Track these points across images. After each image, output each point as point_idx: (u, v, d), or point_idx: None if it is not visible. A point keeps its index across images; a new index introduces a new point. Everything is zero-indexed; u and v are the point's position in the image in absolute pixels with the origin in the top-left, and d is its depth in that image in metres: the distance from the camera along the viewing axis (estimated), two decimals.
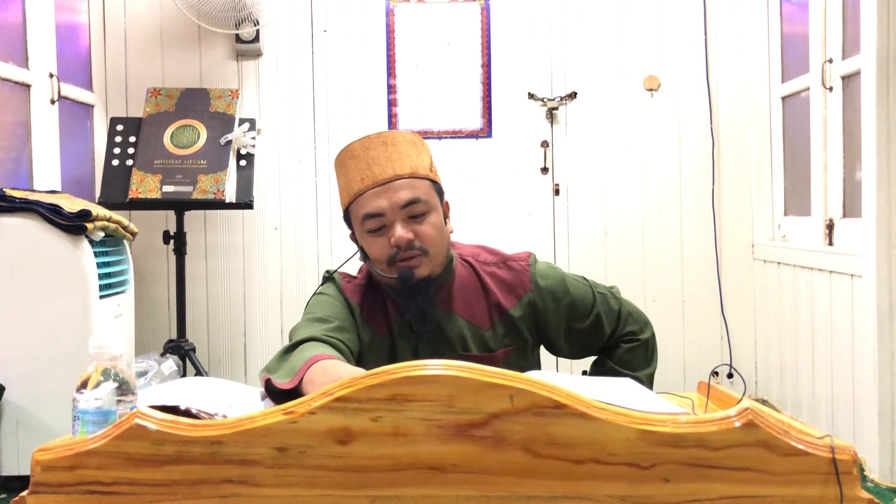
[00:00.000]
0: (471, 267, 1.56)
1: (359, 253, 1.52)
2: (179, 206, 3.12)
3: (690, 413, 1.03)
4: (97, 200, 3.04)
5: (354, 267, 1.61)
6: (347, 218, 1.52)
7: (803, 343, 3.08)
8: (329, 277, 1.57)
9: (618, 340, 1.61)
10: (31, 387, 2.33)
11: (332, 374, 1.16)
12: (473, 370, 0.85)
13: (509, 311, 1.53)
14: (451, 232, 1.54)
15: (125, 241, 2.72)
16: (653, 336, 1.63)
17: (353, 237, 1.53)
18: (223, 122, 3.18)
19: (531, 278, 1.54)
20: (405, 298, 1.48)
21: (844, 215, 2.89)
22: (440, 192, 1.51)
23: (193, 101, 3.25)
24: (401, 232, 1.42)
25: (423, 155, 1.50)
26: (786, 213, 3.42)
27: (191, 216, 3.42)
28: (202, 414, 1.01)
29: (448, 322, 1.51)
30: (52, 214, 2.32)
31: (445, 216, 1.53)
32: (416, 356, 1.49)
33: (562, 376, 1.15)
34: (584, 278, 1.61)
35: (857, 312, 2.64)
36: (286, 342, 1.40)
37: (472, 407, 0.85)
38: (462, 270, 1.55)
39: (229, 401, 1.14)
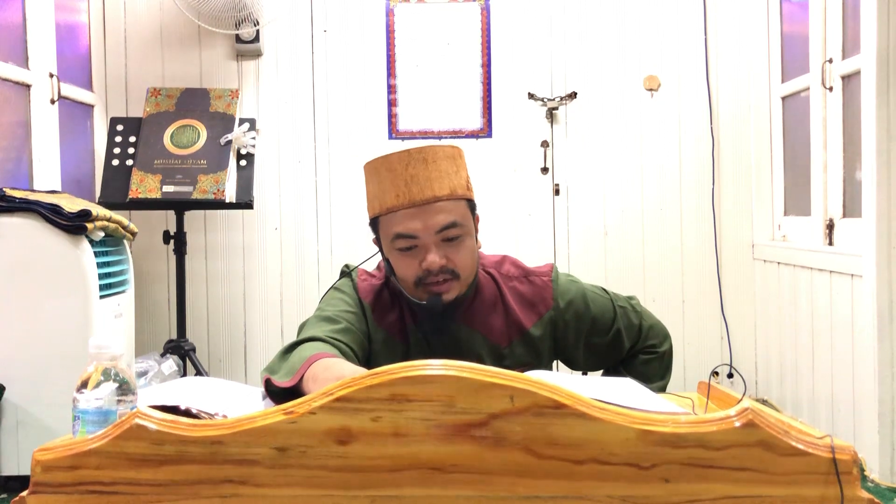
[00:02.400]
0: (493, 280, 1.54)
1: (384, 265, 1.49)
2: (179, 206, 3.12)
3: (690, 413, 1.03)
4: (97, 200, 3.04)
5: (372, 264, 1.59)
6: (374, 225, 1.48)
7: (803, 343, 3.08)
8: (347, 273, 1.55)
9: (636, 352, 1.60)
10: (31, 387, 2.33)
11: (335, 371, 1.16)
12: (473, 370, 0.85)
13: (529, 331, 1.51)
14: (480, 247, 1.51)
15: (125, 241, 2.72)
16: (670, 349, 1.62)
17: (377, 244, 1.50)
18: (223, 122, 3.18)
19: (553, 295, 1.52)
20: (425, 313, 1.46)
21: (844, 215, 2.89)
22: (473, 208, 1.48)
23: (193, 101, 3.25)
24: (434, 257, 1.39)
25: (461, 171, 1.46)
26: (786, 213, 3.42)
27: (191, 216, 3.42)
28: (202, 414, 1.01)
29: (465, 337, 1.49)
30: (52, 214, 2.32)
31: (475, 229, 1.49)
32: None
33: (562, 376, 1.15)
34: (605, 290, 1.59)
35: (857, 312, 2.64)
36: (286, 342, 1.39)
37: (472, 407, 0.84)
38: (484, 284, 1.53)
39: (229, 401, 1.14)
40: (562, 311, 1.52)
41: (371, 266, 1.59)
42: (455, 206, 1.42)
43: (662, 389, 1.58)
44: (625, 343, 1.57)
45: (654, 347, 1.60)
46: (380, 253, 1.50)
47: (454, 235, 1.41)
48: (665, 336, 1.62)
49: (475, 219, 1.49)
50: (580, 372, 1.66)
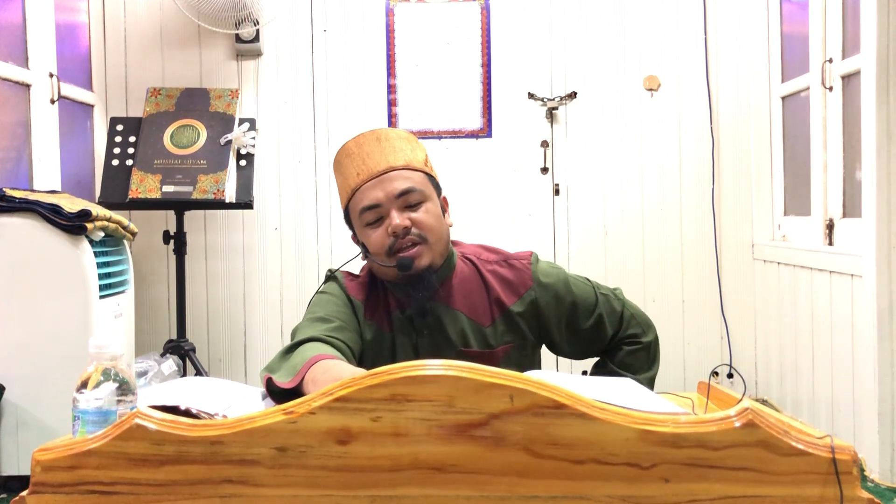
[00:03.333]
0: (472, 264, 1.56)
1: (361, 253, 1.52)
2: (179, 206, 3.12)
3: (690, 413, 1.03)
4: (97, 200, 3.04)
5: (356, 268, 1.61)
6: (348, 218, 1.53)
7: (803, 343, 3.08)
8: (331, 276, 1.57)
9: (620, 342, 1.60)
10: (31, 387, 2.33)
11: (334, 373, 1.16)
12: (473, 370, 0.85)
13: (510, 308, 1.52)
14: (451, 226, 1.54)
15: (125, 241, 2.72)
16: (656, 339, 1.63)
17: (355, 238, 1.54)
18: (223, 122, 3.18)
19: (533, 277, 1.54)
20: (407, 292, 1.48)
21: (844, 215, 2.89)
22: (437, 187, 1.53)
23: (193, 101, 3.25)
24: (397, 220, 1.43)
25: (416, 150, 1.52)
26: (786, 213, 3.42)
27: (191, 216, 3.42)
28: (202, 414, 1.01)
29: (449, 317, 1.51)
30: (52, 214, 2.32)
31: (444, 210, 1.53)
32: (416, 352, 1.50)
33: (562, 376, 1.15)
34: (587, 279, 1.60)
35: (857, 312, 2.64)
36: (286, 342, 1.39)
37: (472, 407, 0.84)
38: (463, 267, 1.55)
39: (229, 401, 1.14)
40: (542, 290, 1.54)
41: (353, 269, 1.61)
42: (412, 175, 1.48)
43: (651, 381, 1.59)
44: (607, 329, 1.58)
45: (638, 337, 1.60)
46: (358, 246, 1.53)
47: (415, 201, 1.46)
48: (648, 326, 1.63)
49: (442, 199, 1.54)
50: (568, 360, 1.66)
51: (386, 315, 1.52)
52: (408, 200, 1.45)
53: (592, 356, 1.66)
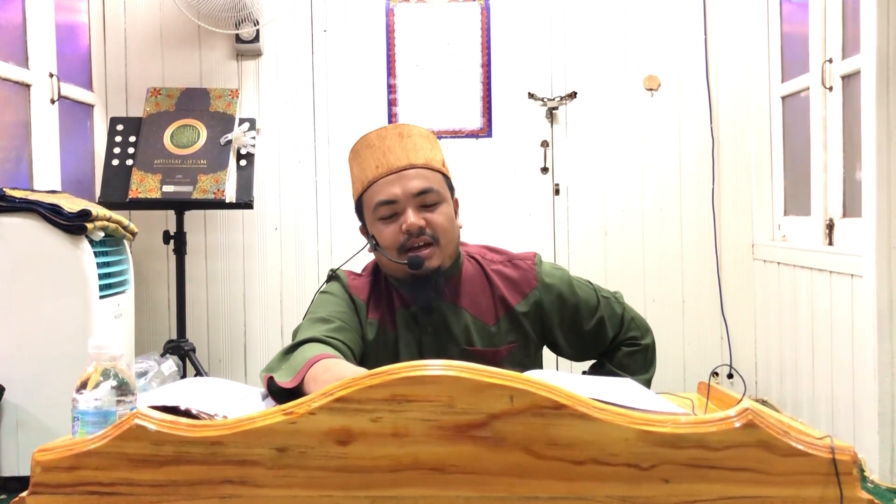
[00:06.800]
0: (477, 264, 1.57)
1: (368, 245, 1.53)
2: (179, 206, 3.12)
3: (690, 413, 1.03)
4: (97, 200, 3.04)
5: (358, 266, 1.61)
6: (359, 208, 1.54)
7: (803, 343, 3.08)
8: (333, 276, 1.57)
9: (619, 344, 1.62)
10: (31, 387, 2.33)
11: (335, 372, 1.17)
12: (473, 370, 0.85)
13: (515, 308, 1.53)
14: (461, 228, 1.56)
15: (125, 241, 2.72)
16: (653, 343, 1.65)
17: (364, 230, 1.55)
18: (223, 122, 3.18)
19: (537, 277, 1.55)
20: (412, 290, 1.49)
21: (844, 215, 2.89)
22: (451, 188, 1.54)
23: (193, 101, 3.24)
24: (413, 219, 1.44)
25: (435, 150, 1.54)
26: (786, 213, 3.42)
27: (191, 216, 3.42)
28: (202, 414, 1.01)
29: (453, 315, 1.52)
30: (52, 214, 2.32)
31: (455, 212, 1.55)
32: (420, 349, 1.51)
33: (562, 376, 1.15)
34: (589, 282, 1.62)
35: (857, 312, 2.64)
36: (286, 342, 1.40)
37: (472, 407, 0.84)
38: (469, 266, 1.57)
39: (229, 401, 1.14)
40: (546, 291, 1.55)
41: (355, 268, 1.62)
42: (431, 175, 1.49)
43: (647, 382, 1.61)
44: (608, 331, 1.60)
45: (637, 339, 1.63)
46: (366, 238, 1.54)
47: (431, 201, 1.47)
48: (647, 329, 1.65)
49: (454, 201, 1.55)
50: (569, 361, 1.68)
51: (390, 312, 1.53)
52: (424, 200, 1.46)
53: (592, 357, 1.67)
